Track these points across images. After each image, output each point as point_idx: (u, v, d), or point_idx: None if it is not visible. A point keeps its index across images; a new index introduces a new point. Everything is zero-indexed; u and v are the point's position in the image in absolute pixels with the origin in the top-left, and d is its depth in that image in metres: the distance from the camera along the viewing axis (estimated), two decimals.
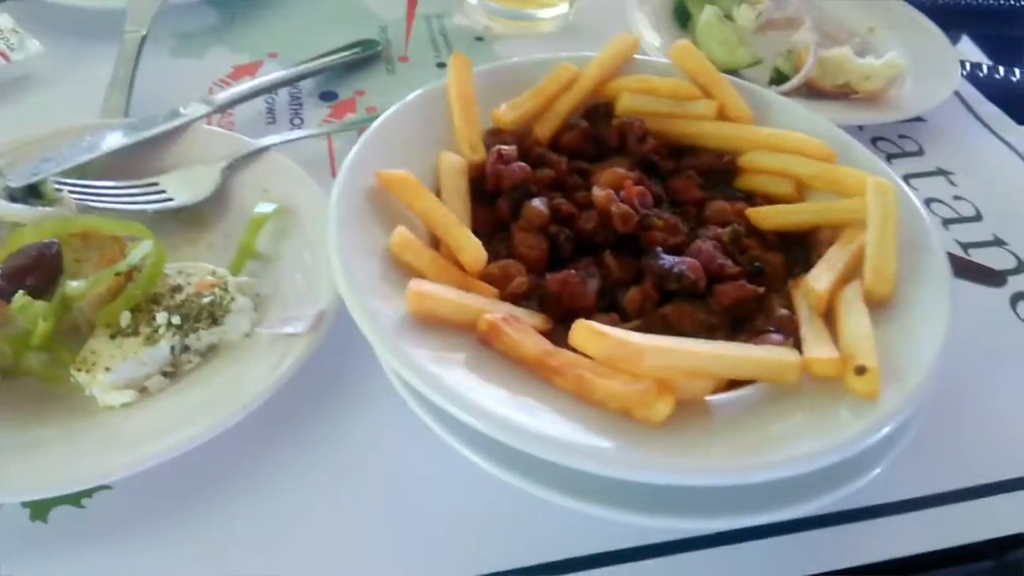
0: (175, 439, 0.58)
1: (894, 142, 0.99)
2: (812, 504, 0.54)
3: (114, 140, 0.82)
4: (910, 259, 0.66)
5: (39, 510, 0.57)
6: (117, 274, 0.67)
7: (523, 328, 0.58)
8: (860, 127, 0.96)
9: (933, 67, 1.01)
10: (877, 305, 0.62)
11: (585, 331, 0.54)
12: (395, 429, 0.65)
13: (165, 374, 0.63)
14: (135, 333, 0.65)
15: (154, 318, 0.65)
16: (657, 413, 0.53)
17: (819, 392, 0.57)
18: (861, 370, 0.56)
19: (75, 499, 0.57)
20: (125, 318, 0.66)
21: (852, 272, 0.65)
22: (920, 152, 0.99)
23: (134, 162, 0.82)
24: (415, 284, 0.58)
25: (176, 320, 0.65)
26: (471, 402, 0.52)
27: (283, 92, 0.99)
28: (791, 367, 0.57)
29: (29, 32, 0.99)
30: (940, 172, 0.96)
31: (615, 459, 0.51)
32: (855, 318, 0.61)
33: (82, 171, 0.79)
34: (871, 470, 0.56)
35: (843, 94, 0.98)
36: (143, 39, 0.98)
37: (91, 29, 1.03)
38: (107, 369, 0.62)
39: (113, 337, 0.65)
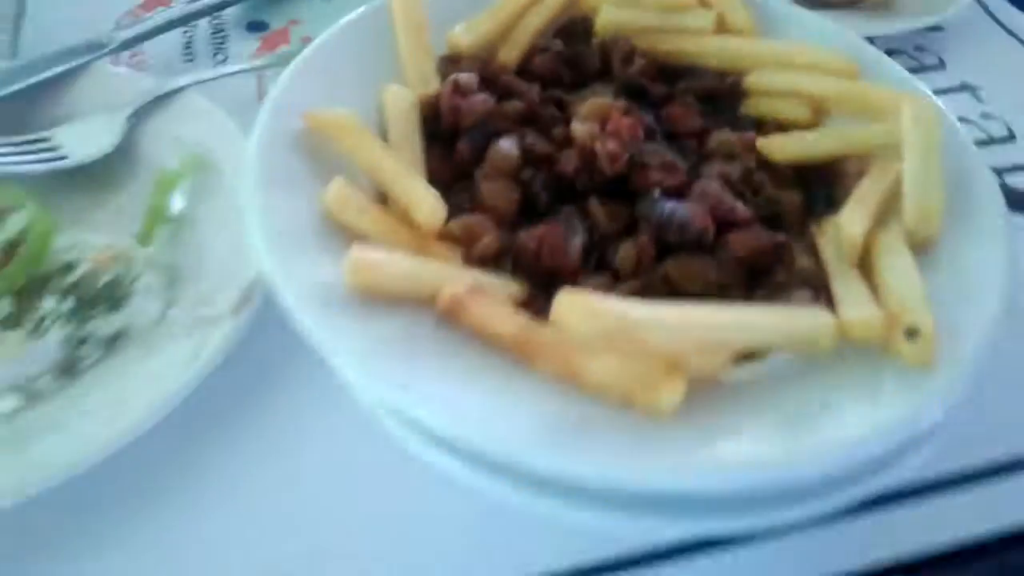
0: (70, 453, 0.47)
1: (911, 55, 0.88)
2: (847, 494, 0.44)
3: None
4: (954, 192, 0.55)
5: None
6: None
7: (494, 301, 0.47)
8: (871, 39, 0.84)
9: None
10: (920, 249, 0.52)
11: (574, 305, 0.42)
12: (346, 428, 0.53)
13: (61, 372, 0.51)
14: (17, 324, 0.53)
15: (40, 305, 0.52)
16: (664, 399, 0.42)
17: (858, 361, 0.46)
18: (913, 332, 0.45)
19: None
20: (4, 306, 0.53)
21: (888, 211, 0.54)
22: (941, 65, 0.88)
23: (21, 114, 0.69)
24: (358, 251, 0.46)
25: (68, 305, 0.53)
26: (434, 400, 0.41)
27: (203, 24, 0.85)
28: (825, 331, 0.46)
29: None
30: (965, 87, 0.85)
31: (628, 464, 0.40)
32: (899, 266, 0.50)
33: None
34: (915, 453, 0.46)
35: (849, 2, 0.86)
36: None
37: None
38: None
39: None
